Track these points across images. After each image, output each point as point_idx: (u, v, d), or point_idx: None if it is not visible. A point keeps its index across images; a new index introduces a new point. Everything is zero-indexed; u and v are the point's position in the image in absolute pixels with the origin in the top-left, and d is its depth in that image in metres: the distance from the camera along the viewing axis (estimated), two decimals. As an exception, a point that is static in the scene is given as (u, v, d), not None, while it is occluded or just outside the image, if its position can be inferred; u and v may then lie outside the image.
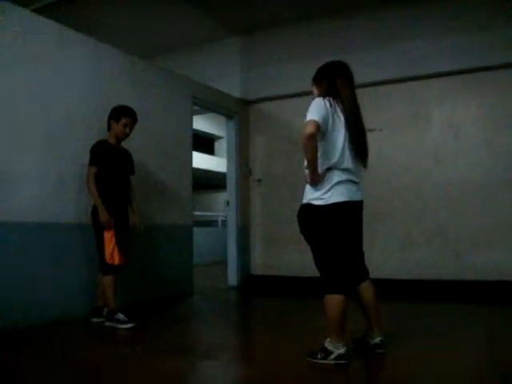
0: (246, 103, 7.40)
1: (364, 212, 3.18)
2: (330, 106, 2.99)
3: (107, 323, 4.17)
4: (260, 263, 7.25)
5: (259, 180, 7.31)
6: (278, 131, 7.16)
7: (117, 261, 4.20)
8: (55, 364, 3.10)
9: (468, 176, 5.88)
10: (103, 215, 4.15)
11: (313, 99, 3.07)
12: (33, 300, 4.15)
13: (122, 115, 4.41)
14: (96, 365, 3.09)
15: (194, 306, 5.79)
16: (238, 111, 7.21)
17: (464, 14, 5.89)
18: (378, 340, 3.14)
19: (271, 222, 7.13)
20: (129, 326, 4.07)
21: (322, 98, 3.02)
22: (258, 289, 6.94)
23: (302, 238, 3.17)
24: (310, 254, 3.13)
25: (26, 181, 4.22)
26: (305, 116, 2.92)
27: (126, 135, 4.47)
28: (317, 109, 2.95)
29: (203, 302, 6.02)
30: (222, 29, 7.24)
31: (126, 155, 4.60)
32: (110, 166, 4.33)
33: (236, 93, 7.32)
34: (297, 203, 3.21)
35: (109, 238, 4.20)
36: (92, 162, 4.25)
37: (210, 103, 6.83)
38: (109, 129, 4.46)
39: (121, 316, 4.13)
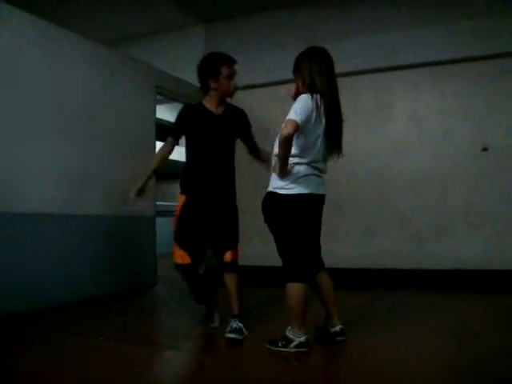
0: (211, 93, 7.33)
1: (326, 203, 3.22)
2: (317, 107, 2.93)
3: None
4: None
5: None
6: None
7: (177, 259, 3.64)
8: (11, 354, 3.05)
9: (429, 167, 5.99)
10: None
11: (293, 93, 3.06)
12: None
13: (221, 64, 3.36)
14: (56, 355, 3.05)
15: (157, 296, 5.75)
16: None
17: (429, 6, 5.97)
18: (338, 328, 3.20)
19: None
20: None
21: (309, 97, 2.94)
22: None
23: (266, 229, 3.19)
24: (272, 245, 3.15)
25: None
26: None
27: (236, 89, 3.47)
28: (302, 109, 2.87)
29: (167, 292, 5.99)
30: (187, 17, 7.15)
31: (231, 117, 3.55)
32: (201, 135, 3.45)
33: (200, 82, 7.26)
34: (260, 194, 3.21)
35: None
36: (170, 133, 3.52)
37: (174, 92, 6.74)
38: (206, 92, 3.50)
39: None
